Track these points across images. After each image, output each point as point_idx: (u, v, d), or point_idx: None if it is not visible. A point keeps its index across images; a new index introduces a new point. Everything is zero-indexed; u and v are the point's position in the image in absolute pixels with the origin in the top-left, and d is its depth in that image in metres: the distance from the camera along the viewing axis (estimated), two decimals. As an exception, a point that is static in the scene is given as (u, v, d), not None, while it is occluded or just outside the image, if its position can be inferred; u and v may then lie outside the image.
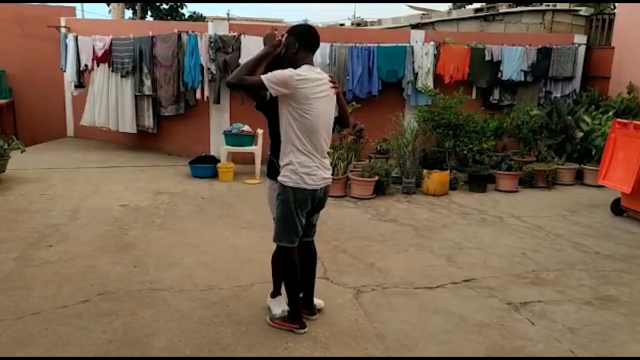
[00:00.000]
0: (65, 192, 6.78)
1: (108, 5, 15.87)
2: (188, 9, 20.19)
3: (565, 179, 8.04)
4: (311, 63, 3.33)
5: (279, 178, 3.32)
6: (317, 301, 3.73)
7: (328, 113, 3.32)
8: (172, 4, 19.35)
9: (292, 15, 67.03)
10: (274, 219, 3.50)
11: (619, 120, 6.55)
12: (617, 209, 6.47)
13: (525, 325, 3.67)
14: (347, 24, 16.65)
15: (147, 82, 8.97)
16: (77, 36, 9.50)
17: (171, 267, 4.51)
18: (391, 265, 4.71)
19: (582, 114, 8.73)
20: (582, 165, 8.19)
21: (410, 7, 14.72)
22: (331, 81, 3.35)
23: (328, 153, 3.47)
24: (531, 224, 6.07)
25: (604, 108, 8.97)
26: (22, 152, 7.57)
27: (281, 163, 3.32)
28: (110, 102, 9.25)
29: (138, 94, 9.05)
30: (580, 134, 8.48)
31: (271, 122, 3.44)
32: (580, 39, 9.99)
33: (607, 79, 9.84)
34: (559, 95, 9.68)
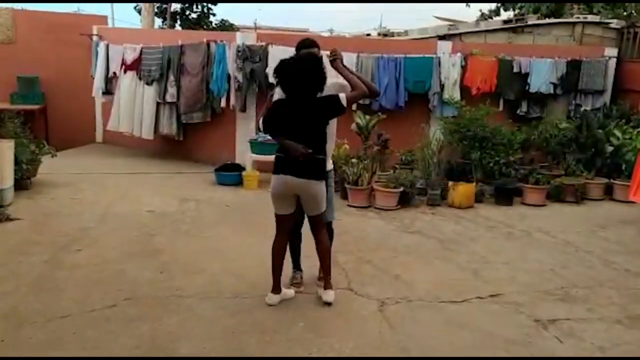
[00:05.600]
0: (94, 197, 6.90)
1: (140, 14, 16.16)
2: (216, 17, 20.44)
3: (594, 194, 7.88)
4: None
5: (331, 165, 4.11)
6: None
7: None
8: (200, 13, 19.60)
9: (319, 25, 67.32)
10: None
11: (651, 135, 6.42)
12: (648, 225, 6.33)
13: (554, 343, 3.61)
14: (374, 34, 16.65)
15: (171, 90, 9.04)
16: (108, 44, 9.69)
17: (197, 273, 4.55)
18: (416, 277, 4.67)
19: (612, 128, 8.57)
20: (611, 180, 8.02)
21: (437, 18, 14.66)
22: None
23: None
24: (559, 239, 5.97)
25: (635, 122, 8.80)
26: (52, 156, 7.73)
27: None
28: (136, 108, 9.38)
29: (160, 101, 9.14)
30: (611, 149, 8.30)
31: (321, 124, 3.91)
32: (611, 51, 9.82)
33: (638, 93, 9.65)
34: (588, 108, 9.54)
